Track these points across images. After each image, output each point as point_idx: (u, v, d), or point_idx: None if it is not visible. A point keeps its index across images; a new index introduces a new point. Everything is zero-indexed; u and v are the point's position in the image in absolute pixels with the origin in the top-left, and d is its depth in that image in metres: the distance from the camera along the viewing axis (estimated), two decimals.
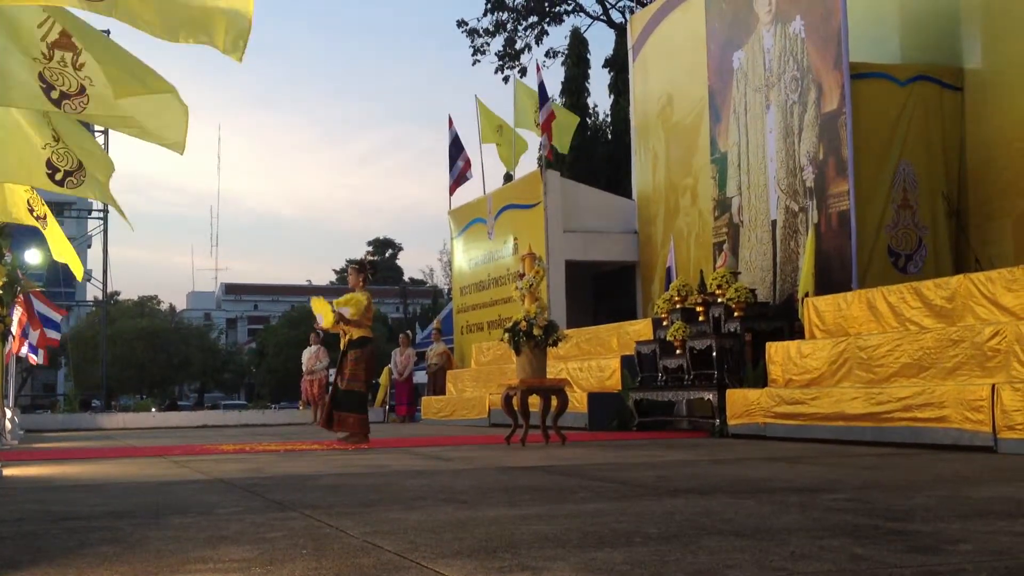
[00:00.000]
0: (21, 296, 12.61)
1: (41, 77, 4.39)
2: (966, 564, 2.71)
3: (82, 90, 4.50)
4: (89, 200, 25.05)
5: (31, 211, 6.20)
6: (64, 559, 3.08)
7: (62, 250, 6.94)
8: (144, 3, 4.07)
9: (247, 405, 38.18)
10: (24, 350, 14.83)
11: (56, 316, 14.97)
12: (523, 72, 30.62)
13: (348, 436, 9.93)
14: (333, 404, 10.11)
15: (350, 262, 11.11)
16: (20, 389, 26.49)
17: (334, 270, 77.16)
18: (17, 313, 12.74)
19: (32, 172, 5.26)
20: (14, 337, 12.70)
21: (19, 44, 4.34)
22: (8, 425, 12.07)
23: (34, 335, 14.37)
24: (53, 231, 6.77)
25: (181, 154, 4.85)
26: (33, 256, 14.99)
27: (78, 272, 7.07)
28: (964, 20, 12.16)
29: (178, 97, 4.79)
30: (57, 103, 4.46)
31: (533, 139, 19.43)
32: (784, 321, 11.36)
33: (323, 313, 9.98)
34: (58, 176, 5.29)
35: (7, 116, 5.12)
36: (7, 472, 6.68)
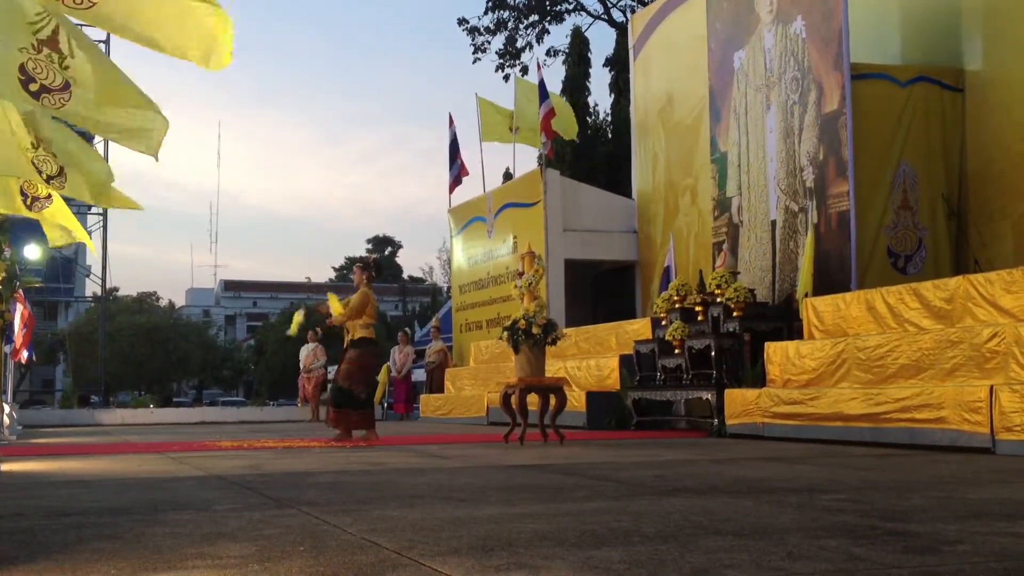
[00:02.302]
0: (20, 292, 12.60)
1: (23, 68, 4.37)
2: (964, 565, 2.71)
3: (66, 86, 4.49)
4: None
5: (25, 198, 6.07)
6: (61, 555, 3.08)
7: (70, 225, 6.75)
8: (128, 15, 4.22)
9: (245, 402, 38.25)
10: (24, 353, 14.77)
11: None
12: (524, 71, 30.64)
13: (339, 433, 10.04)
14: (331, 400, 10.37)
15: (353, 261, 11.21)
16: (18, 384, 26.47)
17: (333, 268, 77.22)
18: (18, 309, 12.72)
19: (22, 167, 5.25)
20: (24, 334, 12.68)
21: (7, 33, 4.32)
22: (6, 420, 12.07)
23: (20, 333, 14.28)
24: (58, 208, 6.59)
25: (156, 160, 4.89)
26: (32, 252, 14.96)
27: (87, 240, 6.85)
28: (965, 21, 12.16)
29: (159, 111, 4.81)
30: (36, 95, 4.43)
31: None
32: (783, 321, 11.36)
33: (335, 309, 10.28)
34: (43, 176, 5.28)
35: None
36: (5, 467, 6.68)
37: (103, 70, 4.55)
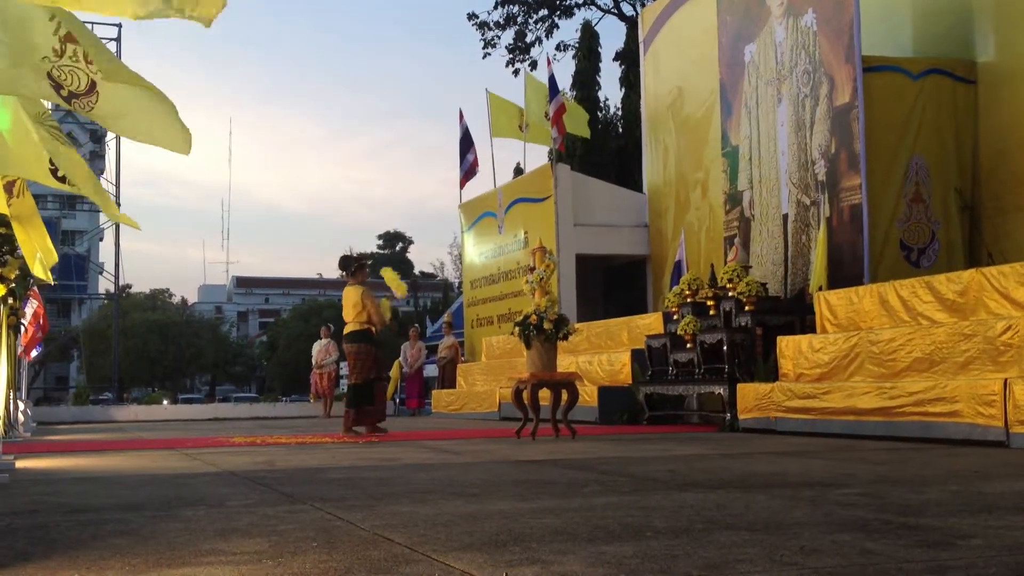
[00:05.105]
0: (34, 289, 12.66)
1: (50, 76, 4.37)
2: (977, 559, 2.70)
3: (92, 87, 4.46)
4: None
5: (55, 170, 5.78)
6: (76, 551, 3.10)
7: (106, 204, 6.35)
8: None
9: (258, 398, 38.37)
10: (34, 351, 14.79)
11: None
12: (533, 65, 30.63)
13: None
14: None
15: (364, 256, 11.41)
16: (33, 381, 26.58)
17: None
18: (32, 306, 12.78)
19: (35, 168, 5.24)
20: (27, 331, 12.73)
21: (29, 42, 4.31)
22: (21, 418, 12.13)
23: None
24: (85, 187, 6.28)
25: (187, 154, 4.83)
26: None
27: (132, 224, 6.38)
28: (977, 13, 12.09)
29: (168, 102, 4.78)
30: (68, 100, 4.43)
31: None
32: (795, 315, 11.33)
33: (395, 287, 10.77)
34: (60, 173, 5.27)
35: (16, 112, 5.11)
36: (20, 464, 6.72)
37: (116, 67, 4.55)
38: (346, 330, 10.48)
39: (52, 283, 8.45)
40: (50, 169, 5.25)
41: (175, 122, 4.68)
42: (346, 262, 10.81)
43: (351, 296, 10.46)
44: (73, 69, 4.43)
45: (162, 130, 4.68)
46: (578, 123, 19.18)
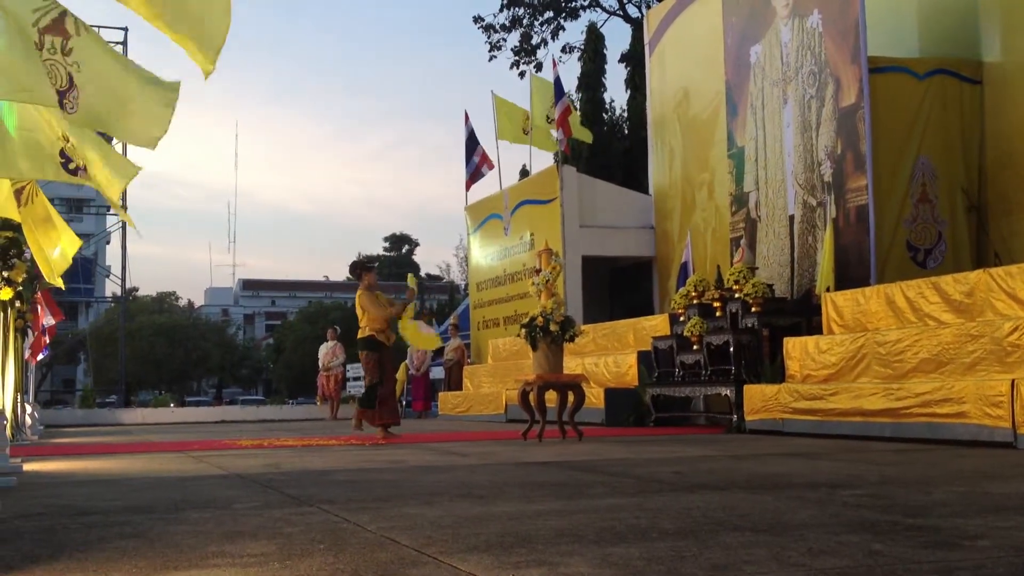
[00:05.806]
0: (40, 294, 12.68)
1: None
2: (985, 560, 2.69)
3: (70, 81, 4.39)
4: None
5: (67, 163, 5.67)
6: (83, 553, 3.10)
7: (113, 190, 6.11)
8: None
9: (265, 401, 38.40)
10: (41, 355, 14.81)
11: (51, 320, 14.67)
12: (539, 67, 30.64)
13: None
14: None
15: (370, 259, 11.37)
16: (40, 384, 26.63)
17: None
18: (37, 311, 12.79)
19: (45, 165, 5.22)
20: (34, 335, 12.76)
21: (22, 34, 4.29)
22: (28, 420, 12.15)
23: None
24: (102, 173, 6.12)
25: (152, 149, 4.74)
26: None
27: (128, 220, 6.23)
28: (982, 13, 12.07)
29: (166, 100, 4.69)
30: (60, 102, 4.38)
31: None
32: (802, 316, 11.32)
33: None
34: (71, 166, 5.24)
35: (24, 109, 5.10)
36: (27, 467, 6.73)
37: (110, 57, 4.53)
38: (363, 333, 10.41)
39: (63, 287, 8.50)
40: (60, 163, 5.22)
41: (155, 111, 4.59)
42: (353, 268, 10.91)
43: (357, 301, 10.48)
44: (54, 64, 4.39)
45: (142, 121, 4.59)
46: (580, 129, 19.20)
